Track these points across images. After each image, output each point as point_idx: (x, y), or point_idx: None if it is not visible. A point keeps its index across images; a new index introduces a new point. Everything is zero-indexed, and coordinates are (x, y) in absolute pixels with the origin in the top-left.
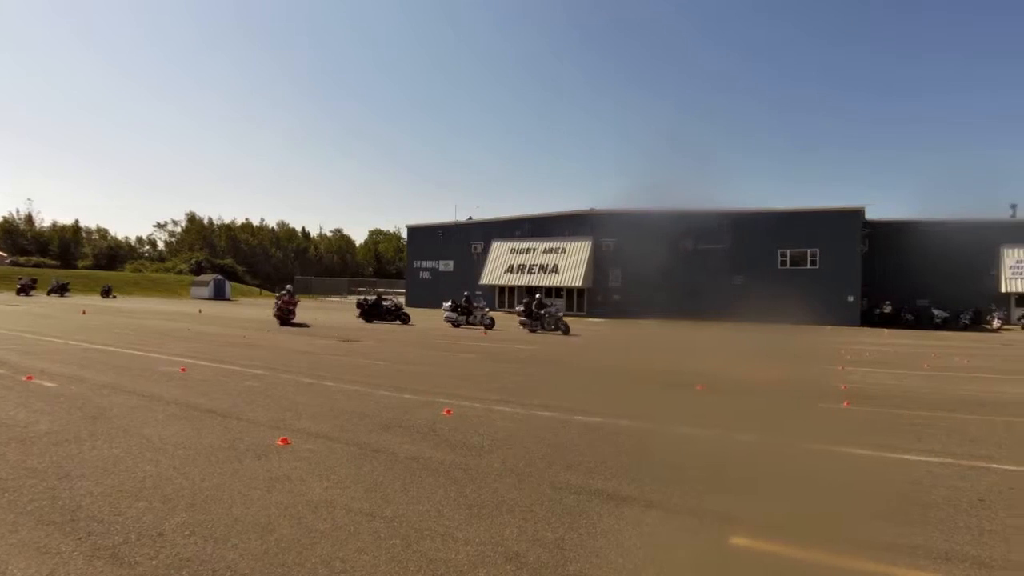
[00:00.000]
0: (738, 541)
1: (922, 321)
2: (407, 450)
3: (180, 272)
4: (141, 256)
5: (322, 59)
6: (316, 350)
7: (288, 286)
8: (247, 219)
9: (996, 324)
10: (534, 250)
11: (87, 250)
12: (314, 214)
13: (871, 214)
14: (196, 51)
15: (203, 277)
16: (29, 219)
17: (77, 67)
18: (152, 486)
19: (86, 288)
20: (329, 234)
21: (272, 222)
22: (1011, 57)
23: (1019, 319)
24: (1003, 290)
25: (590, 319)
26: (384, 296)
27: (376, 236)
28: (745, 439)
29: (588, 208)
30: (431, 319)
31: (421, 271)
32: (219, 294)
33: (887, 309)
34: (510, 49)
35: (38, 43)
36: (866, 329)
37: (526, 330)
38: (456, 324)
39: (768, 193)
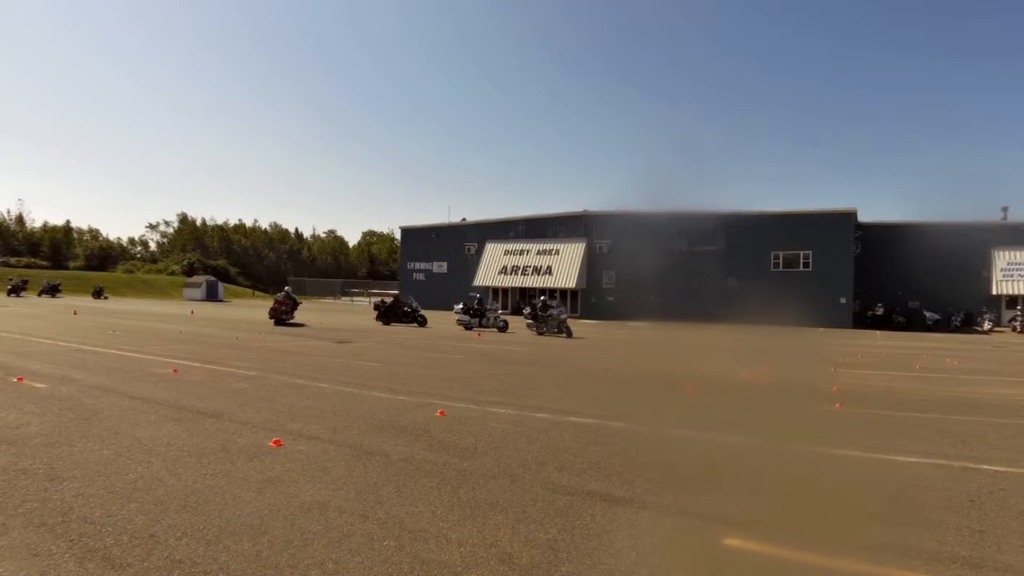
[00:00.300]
0: (731, 542)
1: (914, 323)
2: (400, 451)
3: (172, 273)
4: (133, 257)
5: (317, 60)
6: (310, 351)
7: (287, 287)
8: (240, 220)
9: (987, 326)
10: (528, 251)
11: (78, 251)
12: (308, 215)
13: (863, 216)
14: (189, 51)
15: (195, 278)
16: (20, 219)
17: (68, 66)
18: (144, 487)
19: (77, 289)
20: (323, 235)
21: (265, 223)
22: (1004, 58)
23: (1010, 321)
24: (994, 292)
25: (584, 320)
26: (399, 298)
27: (370, 237)
28: (738, 441)
29: (582, 210)
30: (442, 322)
31: (415, 272)
32: (212, 295)
33: (879, 311)
34: (508, 49)
35: (30, 42)
36: (858, 331)
37: (534, 332)
38: (468, 327)
39: (761, 195)
